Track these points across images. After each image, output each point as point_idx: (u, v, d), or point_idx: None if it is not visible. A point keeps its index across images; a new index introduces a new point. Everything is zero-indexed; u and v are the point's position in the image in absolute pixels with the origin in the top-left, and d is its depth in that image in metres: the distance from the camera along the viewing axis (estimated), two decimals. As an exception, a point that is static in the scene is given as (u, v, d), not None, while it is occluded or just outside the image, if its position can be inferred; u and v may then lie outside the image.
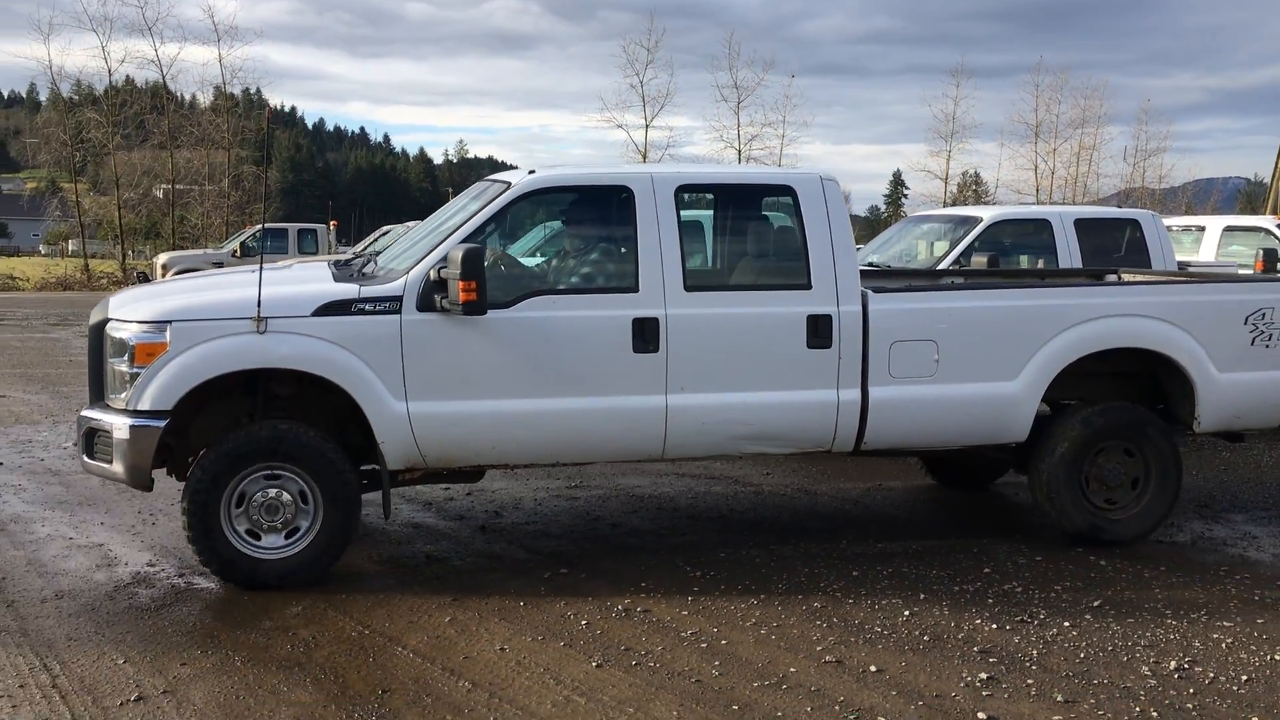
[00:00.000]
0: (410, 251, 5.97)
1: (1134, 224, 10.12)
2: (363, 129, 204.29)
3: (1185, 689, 4.42)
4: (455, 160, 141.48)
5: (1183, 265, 10.58)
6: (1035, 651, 4.78)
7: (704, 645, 4.84)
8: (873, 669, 4.58)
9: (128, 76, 40.08)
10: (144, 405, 5.33)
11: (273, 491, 5.47)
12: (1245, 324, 6.35)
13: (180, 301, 5.59)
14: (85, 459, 5.62)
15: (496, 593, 5.52)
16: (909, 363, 5.95)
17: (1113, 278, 8.27)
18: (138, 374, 5.33)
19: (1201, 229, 13.11)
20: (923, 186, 63.70)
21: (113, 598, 5.42)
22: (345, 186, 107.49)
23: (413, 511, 7.13)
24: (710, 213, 6.82)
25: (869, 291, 5.98)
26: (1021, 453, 6.39)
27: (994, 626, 5.08)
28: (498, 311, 5.52)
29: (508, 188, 5.85)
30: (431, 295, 5.46)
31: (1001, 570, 5.89)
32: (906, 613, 5.25)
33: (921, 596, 5.47)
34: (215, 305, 5.53)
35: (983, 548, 6.29)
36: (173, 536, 6.49)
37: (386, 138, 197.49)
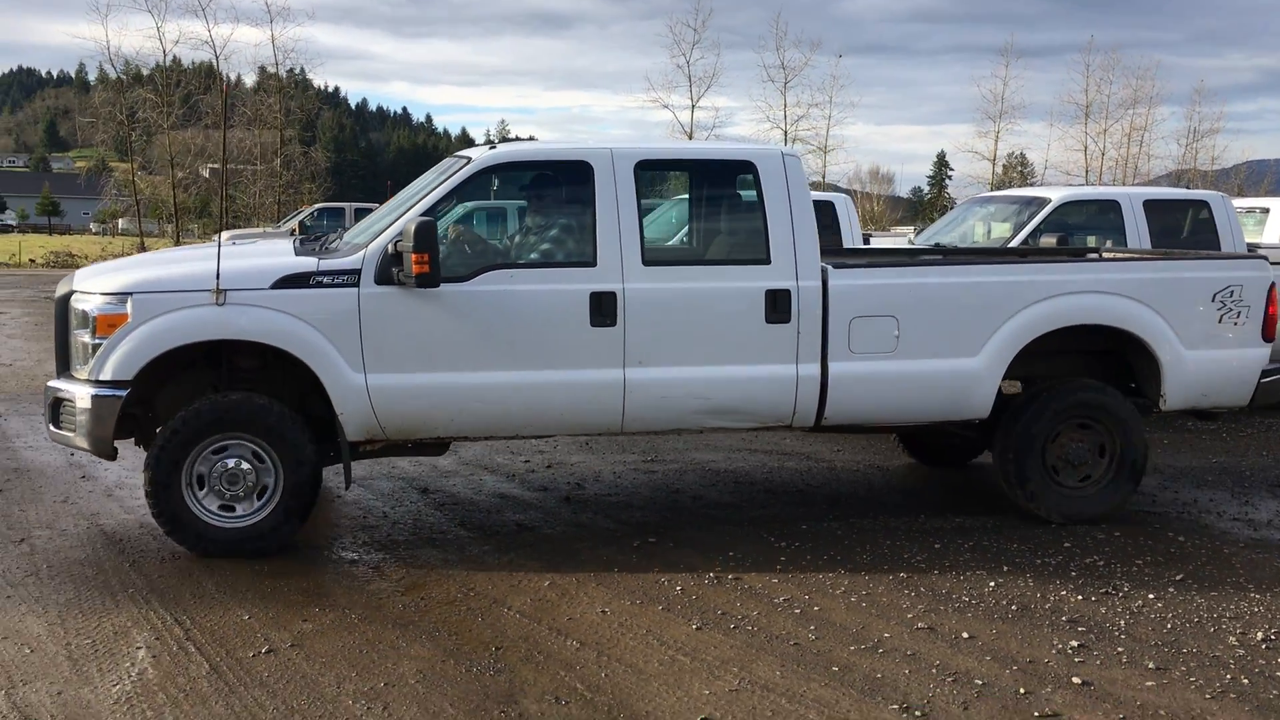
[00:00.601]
0: (373, 227, 6.02)
1: (1204, 205, 10.12)
2: (405, 109, 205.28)
3: (1274, 658, 4.54)
4: (496, 140, 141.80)
5: (1251, 248, 10.56)
6: (1123, 621, 4.91)
7: (797, 611, 5.01)
8: (964, 635, 4.74)
9: (175, 57, 40.60)
10: (105, 375, 5.43)
11: (231, 461, 5.56)
12: (1213, 301, 6.34)
13: (141, 274, 5.67)
14: (51, 428, 5.74)
15: (590, 559, 5.72)
16: (869, 338, 5.98)
17: (1093, 256, 8.13)
18: (100, 345, 5.43)
19: (1266, 211, 13.03)
20: (969, 167, 63.12)
21: (228, 559, 5.68)
22: (388, 166, 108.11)
23: (497, 483, 7.35)
24: (671, 189, 6.92)
25: (829, 267, 6.02)
26: (988, 431, 6.42)
27: (1079, 598, 5.21)
28: (456, 285, 5.60)
29: (468, 163, 5.93)
30: (389, 269, 5.53)
31: (1081, 545, 6.01)
32: (991, 584, 5.39)
33: (1005, 569, 5.61)
34: (175, 278, 5.62)
35: (1061, 524, 6.39)
36: (272, 503, 6.75)
37: (429, 118, 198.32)
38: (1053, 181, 49.42)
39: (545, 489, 7.22)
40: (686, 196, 6.76)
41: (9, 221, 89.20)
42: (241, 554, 5.59)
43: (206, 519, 5.57)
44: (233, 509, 5.61)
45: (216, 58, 38.82)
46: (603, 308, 5.70)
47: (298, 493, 5.62)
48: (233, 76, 44.08)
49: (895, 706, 4.06)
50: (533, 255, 6.11)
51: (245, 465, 5.58)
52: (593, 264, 5.75)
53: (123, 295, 5.48)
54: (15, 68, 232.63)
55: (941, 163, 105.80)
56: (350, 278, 5.57)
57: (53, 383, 5.73)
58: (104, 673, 4.25)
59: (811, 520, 6.46)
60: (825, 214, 12.67)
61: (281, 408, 5.61)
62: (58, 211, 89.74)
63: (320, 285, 5.55)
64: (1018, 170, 58.27)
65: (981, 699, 4.14)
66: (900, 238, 18.54)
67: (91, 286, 5.64)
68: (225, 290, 5.45)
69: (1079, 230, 9.87)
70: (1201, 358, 6.33)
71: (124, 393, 5.44)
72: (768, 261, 5.89)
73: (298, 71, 43.26)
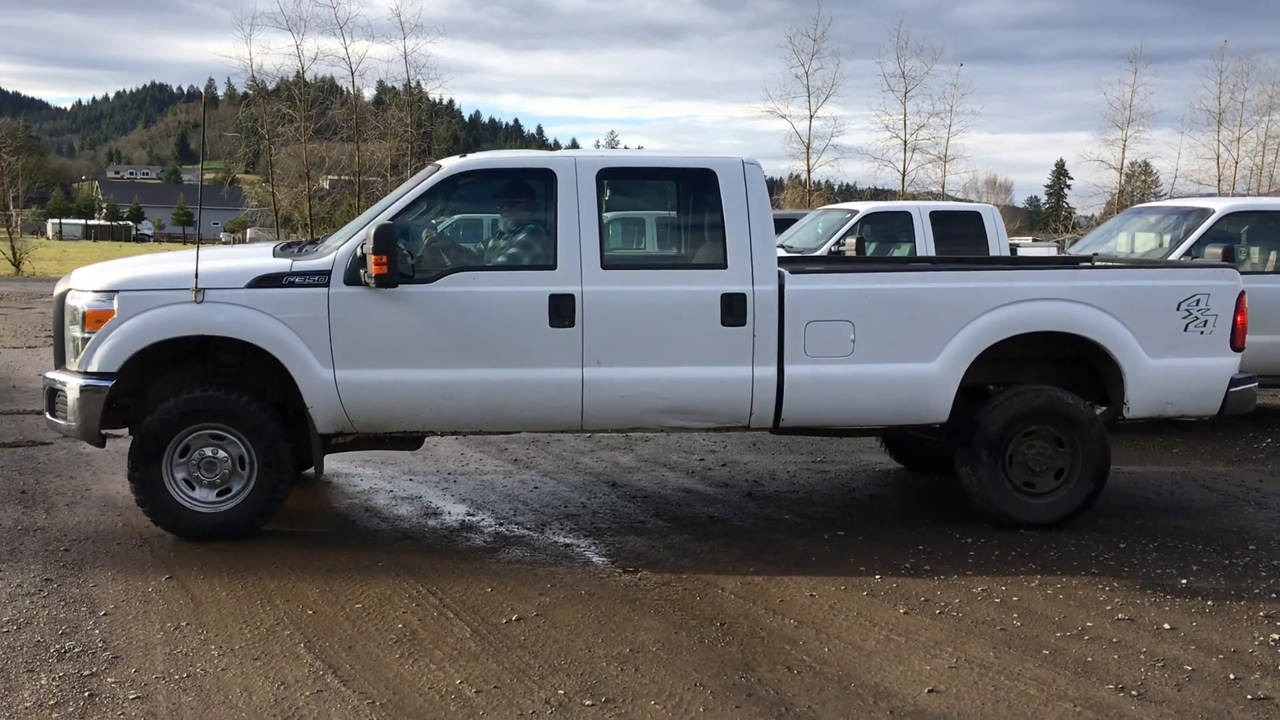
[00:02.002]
0: (349, 231, 6.27)
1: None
2: (516, 121, 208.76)
3: None
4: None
5: None
6: (1320, 619, 5.09)
7: (997, 600, 5.31)
8: (1166, 626, 4.98)
9: (298, 72, 42.25)
10: (93, 367, 5.78)
11: (209, 450, 5.89)
12: (1177, 310, 6.32)
13: (128, 273, 6.04)
14: (47, 416, 6.12)
15: (785, 549, 6.10)
16: (825, 342, 6.11)
17: (1085, 265, 8.00)
18: (88, 339, 5.80)
19: None
20: (1093, 176, 61.78)
21: (451, 540, 6.22)
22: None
23: (679, 479, 7.78)
24: (633, 196, 7.11)
25: (785, 272, 6.17)
26: (950, 435, 6.49)
27: (1275, 595, 5.38)
28: (421, 286, 5.89)
29: (438, 170, 6.25)
30: (358, 270, 5.81)
31: (1267, 547, 6.16)
32: (1183, 581, 5.60)
33: (1194, 568, 5.81)
34: (159, 277, 5.97)
35: (1242, 527, 6.54)
36: (477, 490, 7.31)
37: (540, 129, 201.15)
38: (1182, 191, 48.09)
39: (726, 485, 7.62)
40: (664, 205, 6.98)
41: (145, 231, 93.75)
42: (220, 537, 5.93)
43: (186, 504, 5.93)
44: (224, 492, 5.96)
45: (353, 73, 40.35)
46: (561, 309, 5.93)
47: (272, 479, 5.94)
48: (364, 91, 45.57)
49: (1110, 687, 4.33)
50: (497, 259, 6.45)
51: (221, 454, 5.92)
52: (553, 267, 6.00)
53: (110, 292, 5.84)
54: (149, 84, 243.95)
55: (1060, 171, 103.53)
56: (321, 278, 5.88)
57: (49, 374, 6.11)
58: (381, 631, 4.78)
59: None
60: (973, 224, 12.87)
61: (251, 400, 5.93)
62: (191, 221, 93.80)
63: (292, 285, 5.87)
64: (1141, 179, 56.76)
65: (1193, 682, 4.39)
66: (1048, 247, 18.49)
67: (84, 284, 6.01)
68: (204, 289, 5.78)
69: (1246, 242, 9.85)
70: (1166, 366, 6.33)
71: (109, 384, 5.77)
72: (724, 266, 6.08)
73: (414, 85, 44.62)
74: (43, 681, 4.18)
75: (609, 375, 6.02)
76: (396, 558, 5.84)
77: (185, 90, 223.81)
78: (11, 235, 37.37)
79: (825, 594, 5.38)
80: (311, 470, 6.48)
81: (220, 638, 4.66)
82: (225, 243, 79.45)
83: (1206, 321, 6.35)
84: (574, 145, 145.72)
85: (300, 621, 4.87)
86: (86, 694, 4.08)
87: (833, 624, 4.99)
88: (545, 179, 6.16)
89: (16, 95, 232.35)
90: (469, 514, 6.76)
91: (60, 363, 6.13)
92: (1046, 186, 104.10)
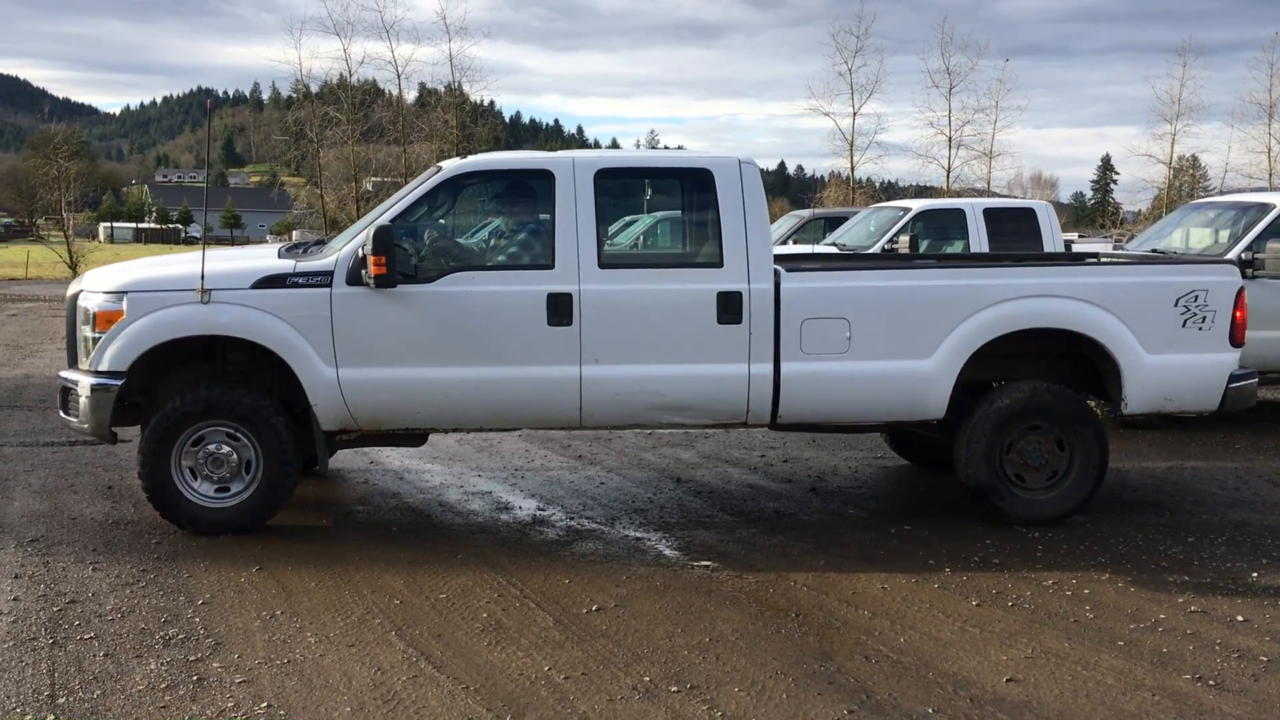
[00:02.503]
0: (353, 232, 6.38)
1: None
2: (557, 121, 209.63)
3: None
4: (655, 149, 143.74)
5: None
6: (1396, 612, 5.10)
7: (1068, 593, 5.37)
8: (1239, 619, 5.02)
9: (342, 75, 42.72)
10: (103, 366, 5.91)
11: (215, 446, 6.03)
12: (1175, 306, 6.29)
13: (138, 275, 6.17)
14: (61, 414, 6.28)
15: (853, 543, 6.19)
16: (821, 339, 6.14)
17: (1091, 260, 7.91)
18: (99, 339, 5.93)
19: None
20: (1141, 171, 60.96)
21: (525, 533, 6.37)
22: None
23: (742, 475, 7.89)
24: (631, 195, 7.12)
25: (781, 270, 6.21)
26: (947, 431, 6.49)
27: (1347, 589, 5.41)
28: (422, 285, 5.97)
29: (439, 171, 6.33)
30: (359, 270, 5.89)
31: (1338, 542, 6.17)
32: (1254, 575, 5.63)
33: (1264, 561, 5.84)
34: (167, 278, 6.09)
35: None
36: (545, 486, 7.46)
37: (580, 129, 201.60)
38: (1233, 185, 47.37)
39: (789, 480, 7.71)
40: (672, 206, 7.00)
41: (194, 234, 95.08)
42: (224, 531, 6.04)
43: (193, 499, 6.05)
44: (222, 490, 6.08)
45: (399, 76, 40.78)
46: (559, 308, 6.00)
47: (279, 476, 6.07)
48: (392, 93, 46.02)
49: (1188, 677, 4.39)
50: (497, 258, 6.51)
51: (226, 449, 6.05)
52: (551, 266, 6.07)
53: (119, 293, 5.98)
54: (195, 88, 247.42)
55: (1106, 167, 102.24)
56: (324, 279, 5.98)
57: (63, 373, 6.25)
58: (467, 620, 4.94)
59: (1057, 514, 6.77)
60: (1026, 221, 12.84)
61: (262, 398, 6.06)
62: (239, 224, 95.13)
63: (296, 285, 5.97)
64: (1189, 174, 55.94)
65: (1269, 673, 4.43)
66: (1103, 243, 18.36)
67: (95, 285, 6.15)
68: (210, 290, 5.90)
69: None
70: (1164, 362, 6.32)
71: (119, 382, 5.90)
72: (721, 265, 6.13)
73: (456, 87, 44.94)
74: (152, 666, 4.37)
75: (607, 373, 6.09)
76: (474, 550, 6.00)
77: (231, 94, 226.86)
78: (68, 239, 38.16)
79: (897, 586, 5.46)
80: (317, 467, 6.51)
81: (315, 625, 4.84)
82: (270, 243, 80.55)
83: (1205, 318, 6.34)
84: (614, 145, 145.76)
85: (389, 611, 5.04)
86: (195, 678, 4.26)
87: (906, 615, 5.08)
88: (544, 179, 6.23)
89: (67, 101, 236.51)
90: (539, 509, 6.91)
91: (73, 362, 6.27)
92: (1092, 182, 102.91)
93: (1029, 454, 6.40)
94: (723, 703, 4.14)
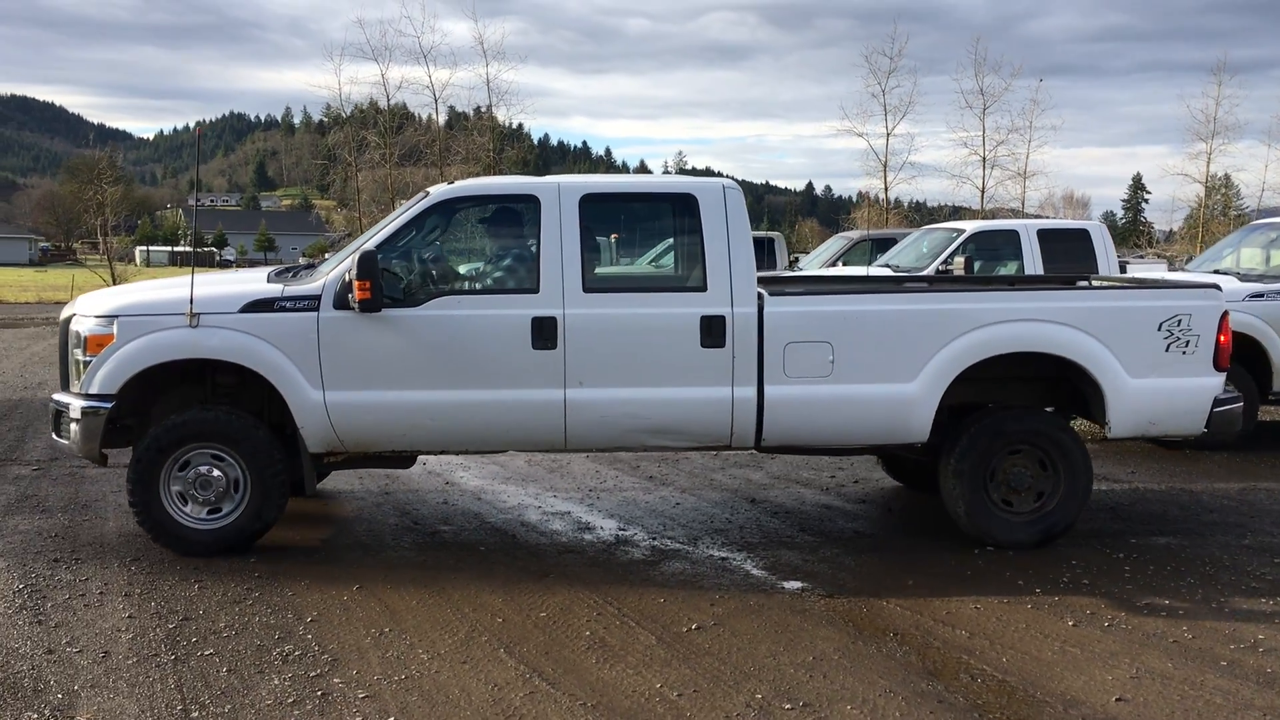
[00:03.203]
0: (340, 257, 6.43)
1: None
2: (585, 143, 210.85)
3: None
4: (674, 172, 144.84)
5: None
6: None
7: (1163, 614, 5.39)
8: (1341, 640, 5.02)
9: (371, 100, 43.16)
10: (94, 389, 6.01)
11: (204, 468, 6.08)
12: (1159, 330, 6.31)
13: (128, 299, 6.25)
14: (54, 435, 6.35)
15: (938, 563, 6.23)
16: (804, 363, 6.18)
17: (1083, 284, 7.91)
18: (89, 361, 6.03)
19: None
20: (1177, 190, 60.55)
21: (610, 553, 6.45)
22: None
23: (815, 495, 7.94)
24: (615, 221, 7.16)
25: (765, 294, 6.24)
26: (932, 454, 6.52)
27: None
28: (408, 309, 6.04)
29: (426, 196, 6.41)
30: (346, 295, 5.95)
31: None
32: (1348, 596, 5.63)
33: (1356, 583, 5.84)
34: (156, 302, 6.16)
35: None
36: (622, 506, 7.55)
37: (608, 151, 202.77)
38: (1270, 205, 47.01)
39: (863, 501, 7.76)
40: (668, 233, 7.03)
41: (228, 257, 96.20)
42: (213, 553, 6.09)
43: (184, 522, 6.11)
44: (214, 511, 6.14)
45: (435, 100, 41.23)
46: (544, 332, 6.05)
47: (265, 495, 6.11)
48: (435, 117, 46.49)
49: (1297, 697, 4.41)
50: (483, 282, 6.54)
51: (217, 473, 6.10)
52: (536, 290, 6.12)
53: (110, 317, 6.08)
54: (228, 113, 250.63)
55: (1138, 186, 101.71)
56: (311, 303, 6.04)
57: (56, 396, 6.33)
58: (571, 638, 5.02)
59: (1138, 535, 6.79)
60: (1081, 242, 12.85)
61: (241, 418, 6.11)
62: (273, 247, 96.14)
63: (283, 309, 6.04)
64: (1221, 193, 55.55)
65: (1380, 694, 4.44)
66: (1155, 264, 18.31)
67: (87, 310, 6.23)
68: (199, 314, 5.99)
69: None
70: (1148, 386, 6.33)
71: (109, 405, 5.99)
72: (704, 289, 6.18)
73: (484, 111, 45.31)
74: (275, 682, 4.48)
75: (591, 396, 6.14)
76: (564, 570, 6.08)
77: (263, 118, 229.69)
78: (111, 262, 38.75)
79: (990, 607, 5.50)
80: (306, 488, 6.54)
81: (424, 643, 4.93)
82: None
83: (1189, 342, 6.36)
84: (642, 166, 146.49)
85: (493, 628, 5.13)
86: (319, 693, 4.36)
87: (1005, 635, 5.12)
88: (530, 204, 6.29)
89: (101, 126, 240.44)
90: (621, 529, 6.99)
91: (65, 385, 6.35)
92: (1123, 201, 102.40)
93: (1013, 477, 6.45)
94: (838, 720, 4.21)
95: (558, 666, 4.69)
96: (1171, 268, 12.36)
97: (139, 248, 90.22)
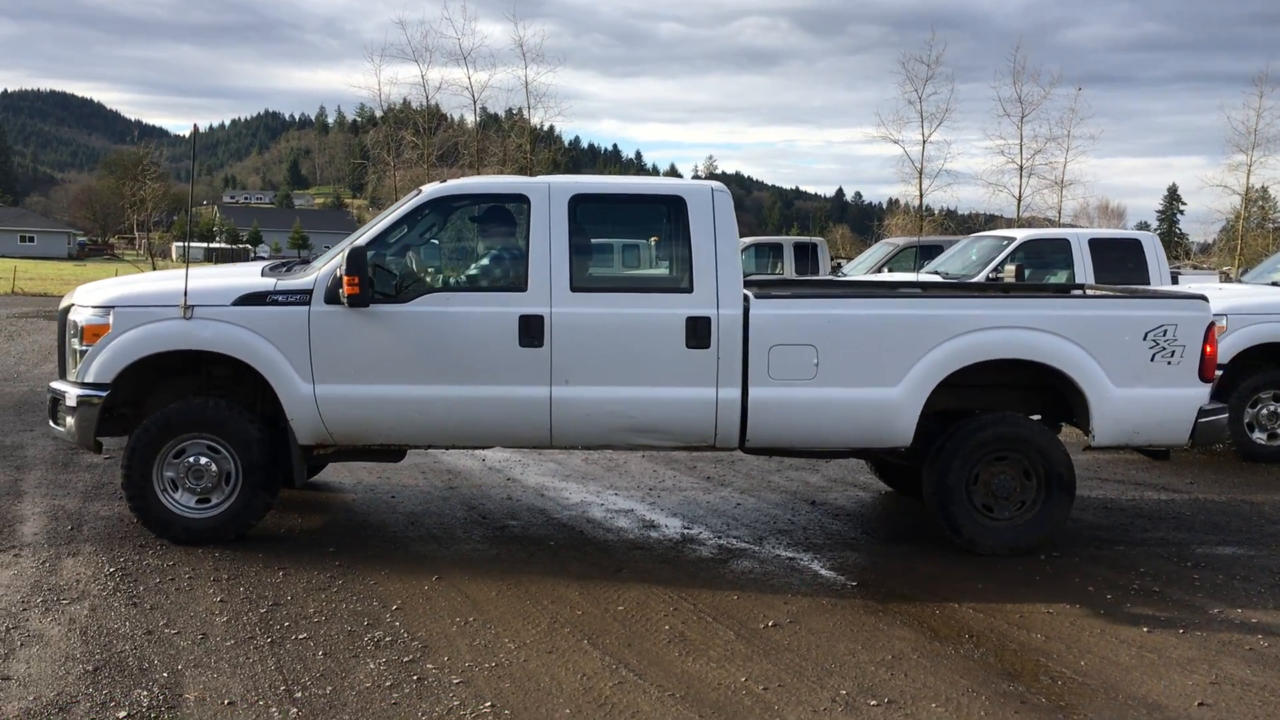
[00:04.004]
0: (334, 252, 6.52)
1: None
2: (615, 146, 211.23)
3: None
4: (704, 176, 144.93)
5: None
6: None
7: (1236, 621, 5.42)
8: None
9: (404, 99, 43.51)
10: (89, 378, 6.11)
11: (192, 458, 6.16)
12: (1144, 340, 6.30)
13: (124, 290, 6.35)
14: (50, 423, 6.47)
15: (1006, 567, 6.26)
16: (788, 365, 6.20)
17: (1077, 293, 7.94)
18: (86, 351, 6.13)
19: None
20: (1216, 201, 59.86)
21: (679, 550, 6.54)
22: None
23: (874, 498, 8.00)
24: (604, 222, 7.20)
25: (751, 296, 6.28)
26: (915, 459, 6.53)
27: None
28: (398, 305, 6.11)
29: (418, 194, 6.48)
30: (337, 290, 6.02)
31: None
32: None
33: None
34: (151, 294, 6.27)
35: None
36: (683, 506, 7.64)
37: (638, 154, 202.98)
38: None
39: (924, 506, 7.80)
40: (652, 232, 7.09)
41: (262, 254, 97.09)
42: (205, 542, 6.17)
43: (176, 510, 6.19)
44: (203, 500, 6.22)
45: (475, 100, 41.51)
46: (531, 329, 6.12)
47: (255, 486, 6.21)
48: (466, 118, 46.78)
49: (1380, 706, 4.44)
50: (472, 280, 6.58)
51: (206, 460, 6.18)
52: (524, 289, 6.18)
53: (106, 308, 6.18)
54: (262, 111, 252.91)
55: (1173, 197, 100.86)
56: (303, 297, 6.13)
57: (53, 384, 6.45)
58: (651, 632, 5.11)
59: (1203, 545, 6.81)
60: (1132, 253, 12.83)
61: (235, 410, 6.19)
62: (306, 244, 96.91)
63: (276, 303, 6.12)
64: (1258, 204, 55.05)
65: None
66: (1210, 275, 18.21)
67: (85, 300, 6.33)
68: (193, 306, 6.08)
69: None
70: (1132, 395, 6.33)
71: (104, 394, 6.10)
72: (690, 290, 6.23)
73: (517, 112, 45.52)
74: (370, 666, 4.59)
75: (577, 394, 6.19)
76: (635, 566, 6.18)
77: (297, 118, 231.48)
78: (153, 257, 39.28)
79: (1062, 612, 5.55)
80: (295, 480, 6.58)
81: (509, 632, 5.04)
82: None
83: (1174, 352, 6.36)
84: (672, 170, 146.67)
85: (573, 621, 5.23)
86: (415, 678, 4.48)
87: (1080, 640, 5.16)
88: (520, 203, 6.37)
89: (139, 123, 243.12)
90: (685, 527, 7.08)
91: (63, 374, 6.49)
92: (1158, 212, 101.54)
93: (996, 483, 6.47)
94: (924, 718, 4.27)
95: (642, 659, 4.78)
96: (1227, 279, 12.31)
97: (176, 243, 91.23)
